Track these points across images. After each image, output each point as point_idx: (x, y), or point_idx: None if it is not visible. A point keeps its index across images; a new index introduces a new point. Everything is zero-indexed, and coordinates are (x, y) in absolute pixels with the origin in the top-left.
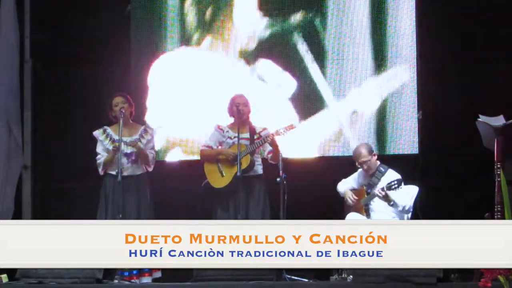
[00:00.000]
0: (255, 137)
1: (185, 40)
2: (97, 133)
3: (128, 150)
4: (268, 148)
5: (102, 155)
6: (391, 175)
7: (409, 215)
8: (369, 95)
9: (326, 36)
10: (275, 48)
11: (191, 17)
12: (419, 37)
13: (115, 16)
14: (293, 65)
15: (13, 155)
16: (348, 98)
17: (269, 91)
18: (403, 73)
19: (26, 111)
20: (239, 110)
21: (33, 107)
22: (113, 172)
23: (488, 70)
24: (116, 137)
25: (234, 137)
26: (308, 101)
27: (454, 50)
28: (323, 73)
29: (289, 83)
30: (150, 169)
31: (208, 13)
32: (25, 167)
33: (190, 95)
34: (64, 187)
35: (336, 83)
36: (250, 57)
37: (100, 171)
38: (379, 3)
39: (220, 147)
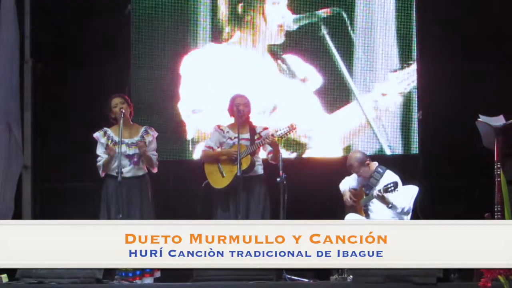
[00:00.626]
0: (256, 137)
1: (216, 34)
2: (97, 135)
3: (130, 151)
4: (268, 148)
5: (102, 157)
6: (389, 176)
7: (409, 216)
8: (393, 89)
9: (354, 30)
10: (303, 42)
11: (223, 11)
12: (419, 37)
13: (115, 16)
14: (320, 58)
15: (13, 155)
16: (373, 92)
17: (295, 85)
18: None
19: (26, 111)
20: (239, 110)
21: (33, 107)
22: (114, 173)
23: (488, 70)
24: (117, 138)
25: (235, 137)
26: (333, 95)
27: (454, 50)
28: (350, 66)
29: (315, 78)
30: (155, 171)
31: (240, 8)
32: (25, 167)
33: (218, 90)
34: (64, 187)
35: (362, 77)
36: (277, 51)
37: (101, 173)
38: None
39: (220, 147)
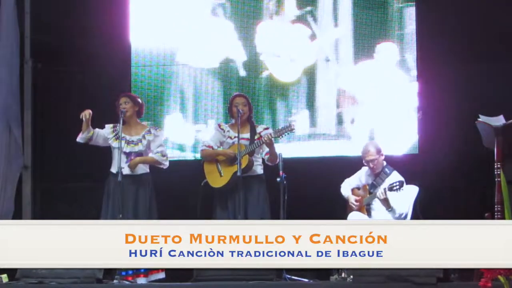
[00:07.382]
0: (256, 137)
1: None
2: (108, 126)
3: (127, 149)
4: (266, 149)
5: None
6: (396, 177)
7: (409, 215)
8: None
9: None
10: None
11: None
12: (419, 37)
13: (115, 16)
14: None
15: (13, 155)
16: None
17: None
18: None
19: (26, 111)
20: (239, 111)
21: (33, 107)
22: (115, 171)
23: (488, 70)
24: (122, 135)
25: (235, 137)
26: None
27: (454, 50)
28: None
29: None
30: (165, 167)
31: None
32: (25, 167)
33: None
34: (64, 187)
35: None
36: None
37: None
38: None
39: (221, 147)
